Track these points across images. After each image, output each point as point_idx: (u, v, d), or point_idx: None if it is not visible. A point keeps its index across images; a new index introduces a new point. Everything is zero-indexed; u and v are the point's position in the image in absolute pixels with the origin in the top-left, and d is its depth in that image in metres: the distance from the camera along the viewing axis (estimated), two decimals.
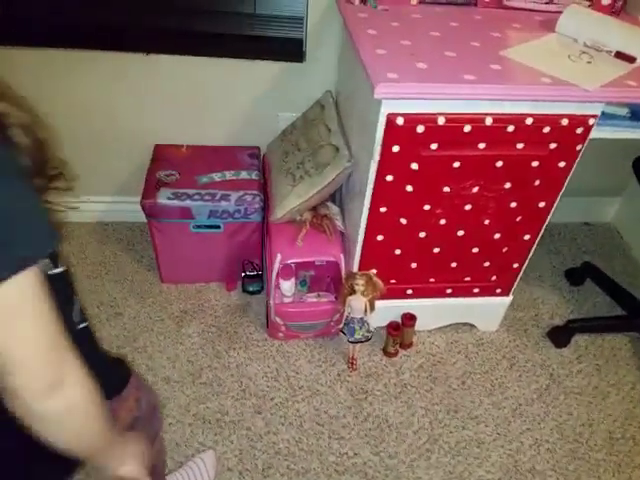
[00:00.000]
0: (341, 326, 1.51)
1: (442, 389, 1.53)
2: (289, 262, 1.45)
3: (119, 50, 1.55)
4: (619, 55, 1.24)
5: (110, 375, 0.79)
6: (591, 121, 1.16)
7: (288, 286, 1.56)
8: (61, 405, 0.54)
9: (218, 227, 1.61)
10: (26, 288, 0.49)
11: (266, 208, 1.60)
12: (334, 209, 1.56)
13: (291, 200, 1.44)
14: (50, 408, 0.53)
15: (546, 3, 1.48)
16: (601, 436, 1.45)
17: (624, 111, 1.23)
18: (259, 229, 1.67)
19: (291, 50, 1.62)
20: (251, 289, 1.75)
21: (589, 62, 1.21)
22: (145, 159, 1.69)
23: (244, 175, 1.67)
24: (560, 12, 1.44)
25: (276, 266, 1.45)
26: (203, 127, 1.78)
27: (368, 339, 1.47)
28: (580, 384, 1.58)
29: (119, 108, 1.70)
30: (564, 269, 1.96)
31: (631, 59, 1.22)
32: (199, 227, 1.59)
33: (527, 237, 1.43)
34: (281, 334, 1.59)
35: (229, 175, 1.65)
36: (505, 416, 1.47)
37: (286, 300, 1.56)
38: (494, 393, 1.53)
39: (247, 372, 1.51)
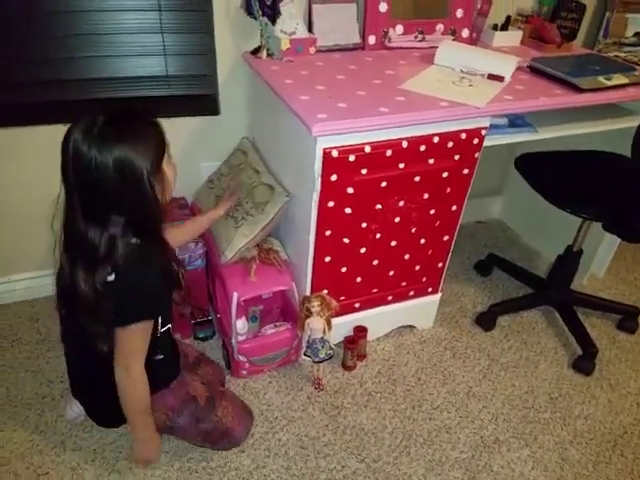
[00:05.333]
0: (304, 350, 1.60)
1: (402, 389, 1.66)
2: (246, 298, 1.52)
3: (41, 124, 1.55)
4: (491, 77, 1.51)
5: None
6: (483, 132, 1.41)
7: (241, 325, 1.62)
8: (123, 377, 1.14)
9: None
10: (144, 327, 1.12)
11: (209, 253, 1.66)
12: (275, 242, 1.66)
13: (238, 240, 1.52)
14: (120, 375, 1.14)
15: (419, 41, 1.75)
16: (543, 399, 1.67)
17: (504, 121, 1.50)
18: (203, 275, 1.72)
19: (206, 105, 1.74)
20: (202, 335, 1.77)
21: (470, 85, 1.47)
22: None
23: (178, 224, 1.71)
24: (432, 47, 1.72)
25: (234, 305, 1.50)
26: None
27: (331, 356, 1.57)
28: (513, 358, 1.80)
29: (40, 181, 1.67)
30: (472, 263, 2.23)
31: (500, 78, 1.50)
32: None
33: (446, 238, 1.64)
34: (244, 371, 1.63)
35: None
36: (462, 400, 1.64)
37: (240, 338, 1.61)
38: (447, 382, 1.70)
39: None
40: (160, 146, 1.05)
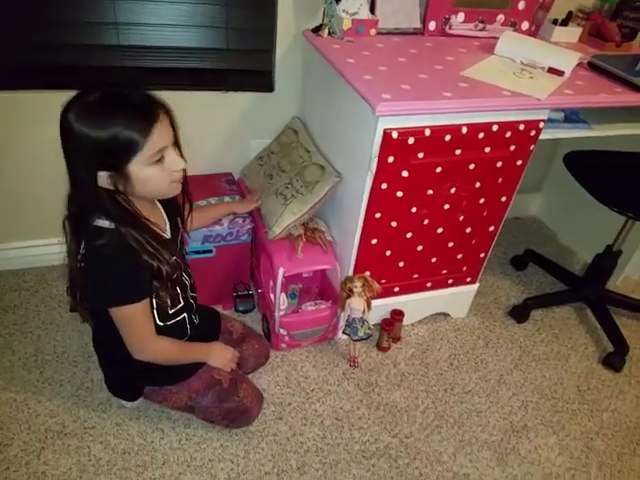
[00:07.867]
0: (343, 328, 1.64)
1: (435, 372, 1.70)
2: (292, 274, 1.55)
3: None
4: (551, 70, 1.51)
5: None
6: (541, 124, 1.42)
7: (282, 300, 1.66)
8: (149, 358, 1.23)
9: (210, 251, 1.68)
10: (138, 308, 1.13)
11: (255, 229, 1.70)
12: (320, 222, 1.69)
13: (286, 218, 1.56)
14: (143, 358, 1.22)
15: (480, 30, 1.75)
16: (572, 390, 1.69)
17: (560, 115, 1.50)
18: (248, 249, 1.75)
19: (262, 81, 1.76)
20: (242, 308, 1.82)
21: (531, 77, 1.47)
22: None
23: (228, 200, 1.74)
24: (491, 37, 1.72)
25: (279, 280, 1.54)
26: None
27: (370, 336, 1.61)
28: (545, 351, 1.83)
29: None
30: (508, 258, 2.24)
31: (561, 73, 1.50)
32: (193, 253, 1.64)
33: (492, 228, 1.65)
34: (284, 345, 1.67)
35: (214, 201, 1.72)
36: (492, 387, 1.67)
37: (281, 313, 1.65)
38: (479, 369, 1.73)
39: (260, 384, 1.57)
40: (132, 146, 0.97)
